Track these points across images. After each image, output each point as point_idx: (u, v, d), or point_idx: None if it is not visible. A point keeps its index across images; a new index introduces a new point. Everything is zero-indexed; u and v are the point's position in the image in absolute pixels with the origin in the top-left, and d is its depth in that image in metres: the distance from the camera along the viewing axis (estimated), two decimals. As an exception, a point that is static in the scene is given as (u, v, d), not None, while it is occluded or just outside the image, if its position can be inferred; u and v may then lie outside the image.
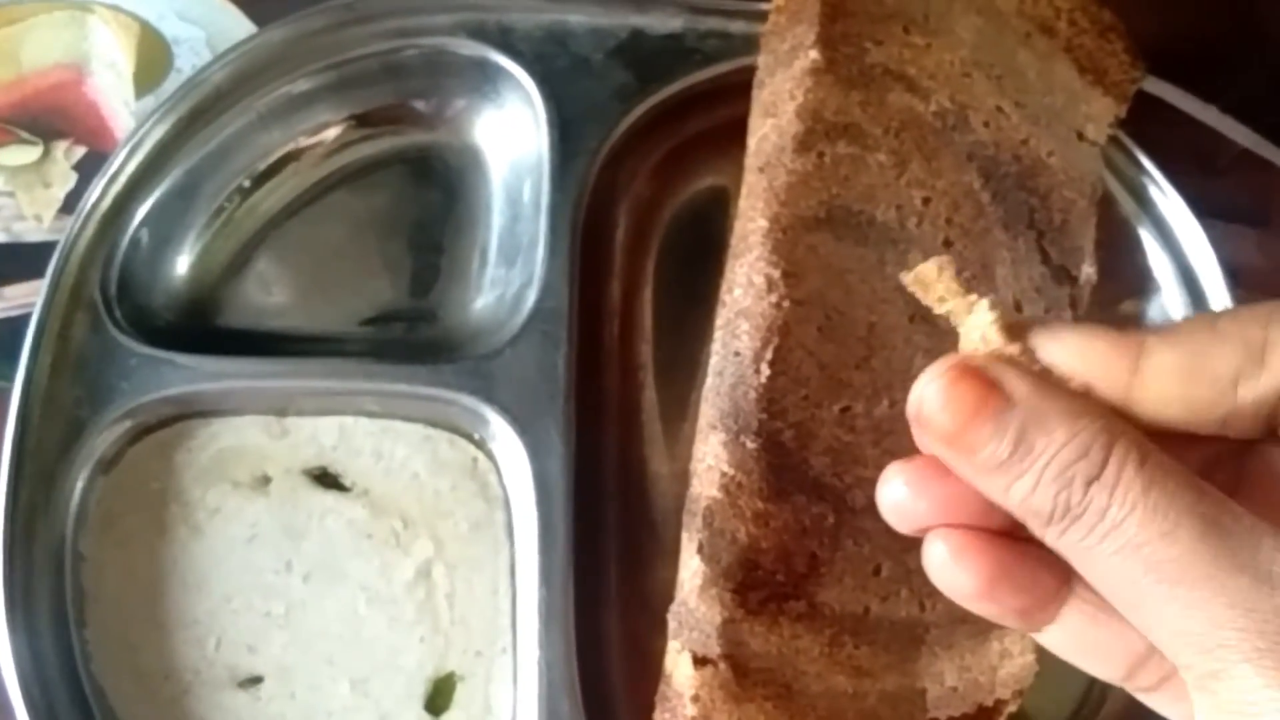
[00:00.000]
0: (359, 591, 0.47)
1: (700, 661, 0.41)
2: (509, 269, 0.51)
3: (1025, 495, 0.30)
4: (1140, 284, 0.51)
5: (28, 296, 0.51)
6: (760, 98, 0.48)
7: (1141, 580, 0.29)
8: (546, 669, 0.45)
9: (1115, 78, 0.50)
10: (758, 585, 0.42)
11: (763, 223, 0.44)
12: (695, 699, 0.41)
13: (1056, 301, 0.46)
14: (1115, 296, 0.51)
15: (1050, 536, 0.30)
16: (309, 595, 0.47)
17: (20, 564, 0.45)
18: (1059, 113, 0.48)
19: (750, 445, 0.42)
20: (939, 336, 0.44)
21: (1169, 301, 0.50)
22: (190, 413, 0.49)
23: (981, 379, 0.30)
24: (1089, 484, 0.29)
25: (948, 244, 0.45)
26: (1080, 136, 0.49)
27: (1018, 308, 0.46)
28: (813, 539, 0.42)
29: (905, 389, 0.43)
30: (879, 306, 0.44)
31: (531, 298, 0.49)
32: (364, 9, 0.52)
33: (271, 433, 0.49)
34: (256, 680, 0.46)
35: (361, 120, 0.53)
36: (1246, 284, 0.51)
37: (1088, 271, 0.47)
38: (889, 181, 0.45)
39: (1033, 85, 0.48)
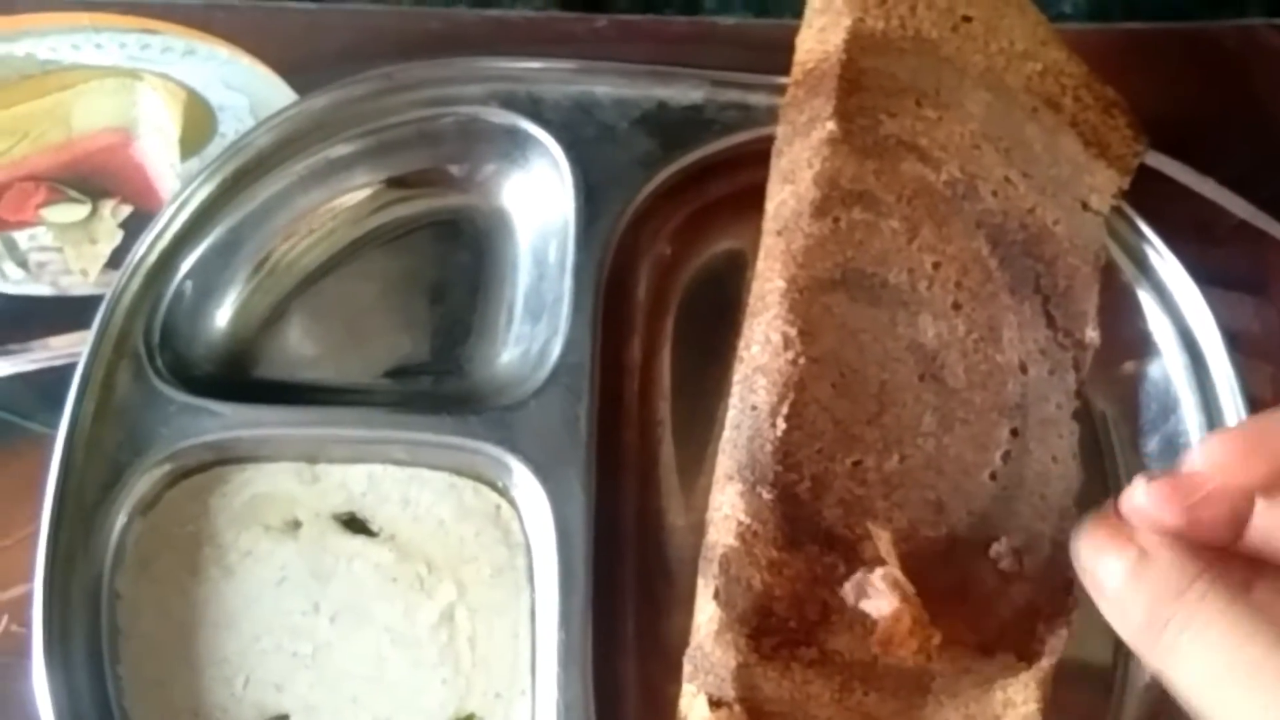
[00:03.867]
0: (384, 633, 0.49)
1: (716, 704, 0.42)
2: (534, 325, 0.53)
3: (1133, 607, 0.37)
4: (1142, 347, 0.52)
5: (72, 347, 0.53)
6: (779, 165, 0.50)
7: (1224, 678, 0.34)
8: (565, 711, 0.46)
9: (1118, 151, 0.52)
10: (771, 631, 0.43)
11: (780, 283, 0.46)
12: None
13: (1060, 364, 0.48)
14: (1118, 359, 0.52)
15: (1153, 639, 0.36)
16: (335, 636, 0.49)
17: (59, 601, 0.47)
18: (1064, 183, 0.50)
19: (766, 496, 0.44)
20: (947, 395, 0.46)
21: (1170, 363, 0.52)
22: (226, 459, 0.50)
23: (1113, 526, 0.39)
24: (1181, 595, 0.36)
25: (956, 307, 0.47)
26: (1085, 206, 0.50)
27: (1023, 369, 0.47)
28: (824, 588, 0.43)
29: (914, 445, 0.46)
30: (890, 365, 0.46)
31: (555, 353, 0.50)
32: (402, 79, 0.55)
33: (303, 479, 0.51)
34: (283, 718, 0.48)
35: (397, 183, 0.55)
36: (1245, 350, 0.53)
37: (1091, 335, 0.49)
38: (901, 246, 0.47)
39: (1039, 157, 0.50)
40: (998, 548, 0.45)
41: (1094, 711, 0.50)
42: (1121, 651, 0.50)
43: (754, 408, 0.45)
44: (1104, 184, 0.51)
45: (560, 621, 0.47)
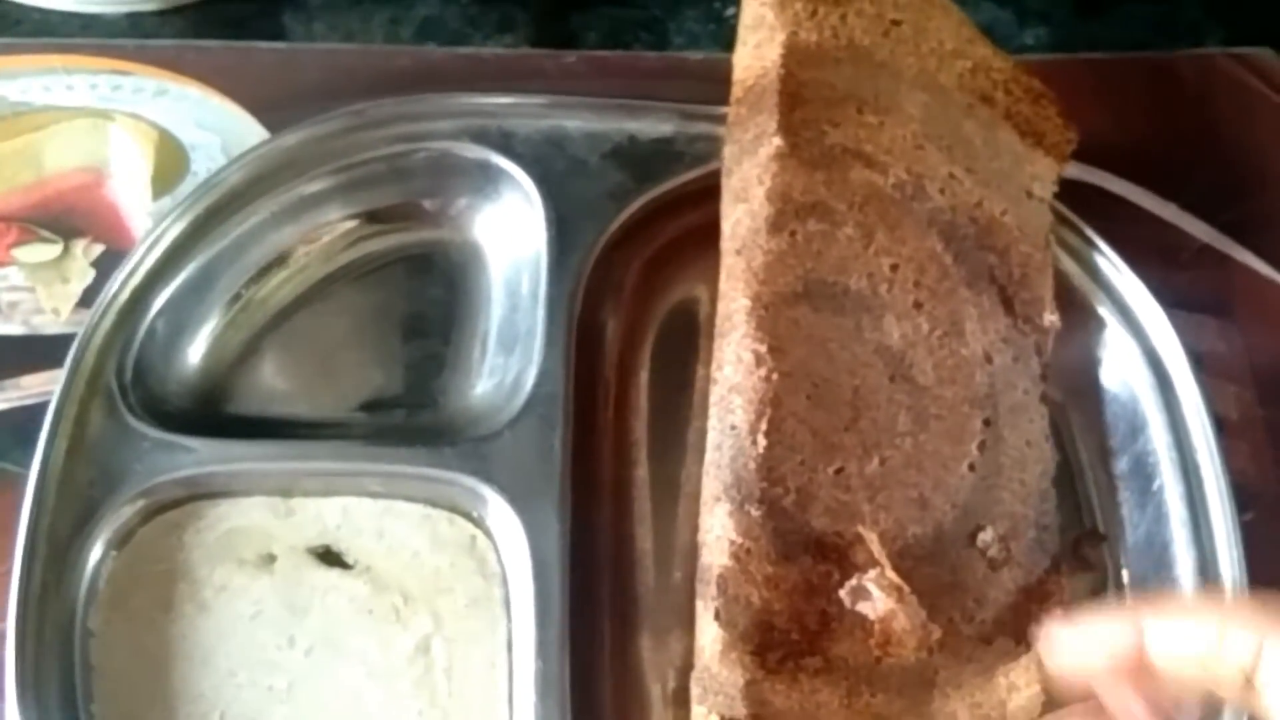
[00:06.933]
0: (360, 666, 0.48)
1: None
2: (508, 357, 0.54)
3: None
4: (1109, 369, 0.53)
5: (44, 386, 0.53)
6: (730, 184, 0.50)
7: None
8: (543, 741, 0.46)
9: (1053, 140, 0.53)
10: (775, 645, 0.43)
11: (745, 301, 0.46)
12: None
13: (1023, 350, 0.49)
14: (1086, 381, 0.53)
15: None
16: (311, 669, 0.48)
17: (31, 639, 0.46)
18: (1007, 175, 0.52)
19: (755, 513, 0.44)
20: (918, 393, 0.47)
21: (1138, 385, 0.52)
22: (200, 494, 0.50)
23: None
24: None
25: (918, 306, 0.48)
26: (1029, 194, 0.52)
27: (987, 359, 0.48)
28: (821, 596, 0.44)
29: (892, 445, 0.46)
30: (860, 370, 0.47)
31: (529, 383, 0.51)
32: (373, 115, 0.55)
33: (277, 513, 0.50)
34: (259, 754, 0.47)
35: (369, 218, 0.56)
36: (1210, 371, 0.54)
37: (1050, 319, 0.50)
38: (858, 252, 0.48)
39: (980, 151, 0.51)
40: (984, 537, 0.46)
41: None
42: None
43: (733, 427, 0.45)
44: (1044, 172, 0.52)
45: (537, 651, 0.47)
